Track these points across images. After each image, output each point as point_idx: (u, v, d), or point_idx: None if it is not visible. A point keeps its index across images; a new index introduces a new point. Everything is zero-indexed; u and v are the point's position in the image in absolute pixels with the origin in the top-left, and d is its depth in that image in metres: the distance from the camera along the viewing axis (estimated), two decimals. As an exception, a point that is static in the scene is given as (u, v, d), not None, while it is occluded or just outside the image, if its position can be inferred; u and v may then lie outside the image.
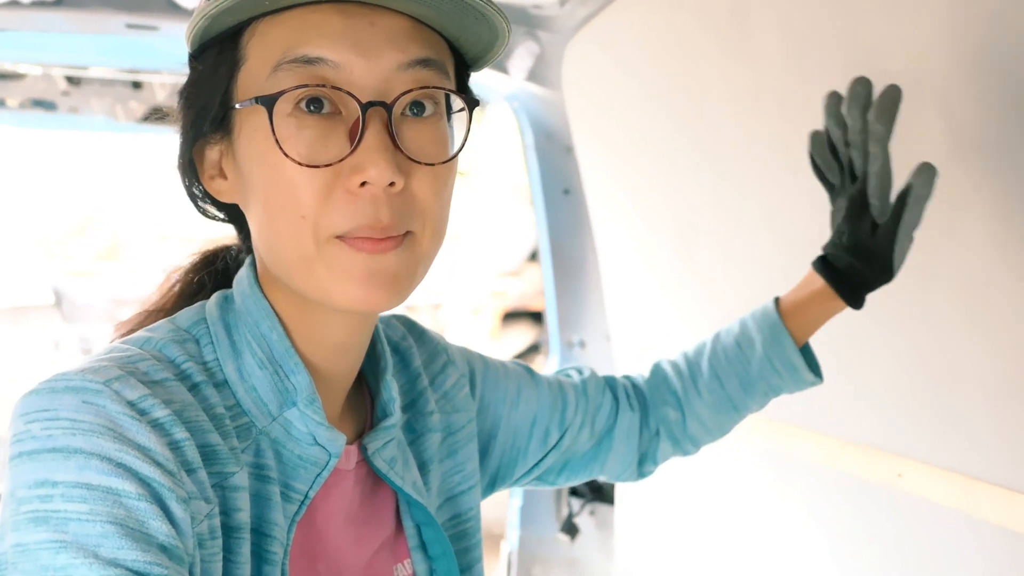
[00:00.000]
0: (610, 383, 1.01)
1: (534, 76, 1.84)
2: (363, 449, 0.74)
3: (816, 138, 0.94)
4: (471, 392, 0.89)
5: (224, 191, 0.69)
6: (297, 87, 0.60)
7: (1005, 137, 0.90)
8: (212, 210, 0.74)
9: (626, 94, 1.58)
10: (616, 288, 1.90)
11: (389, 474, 0.75)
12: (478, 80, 0.75)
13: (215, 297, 0.71)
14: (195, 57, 0.68)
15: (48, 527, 0.53)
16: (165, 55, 2.08)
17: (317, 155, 0.61)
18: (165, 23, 1.60)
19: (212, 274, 0.77)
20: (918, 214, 0.88)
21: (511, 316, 7.25)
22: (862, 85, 0.86)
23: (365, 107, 0.60)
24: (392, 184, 0.61)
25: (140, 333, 0.67)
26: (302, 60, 0.61)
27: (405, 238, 0.64)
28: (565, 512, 2.25)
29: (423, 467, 0.81)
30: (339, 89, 0.60)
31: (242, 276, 0.71)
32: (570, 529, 2.20)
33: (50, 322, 5.55)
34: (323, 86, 0.60)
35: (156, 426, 0.58)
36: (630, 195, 1.72)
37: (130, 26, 1.61)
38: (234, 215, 0.74)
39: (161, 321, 0.70)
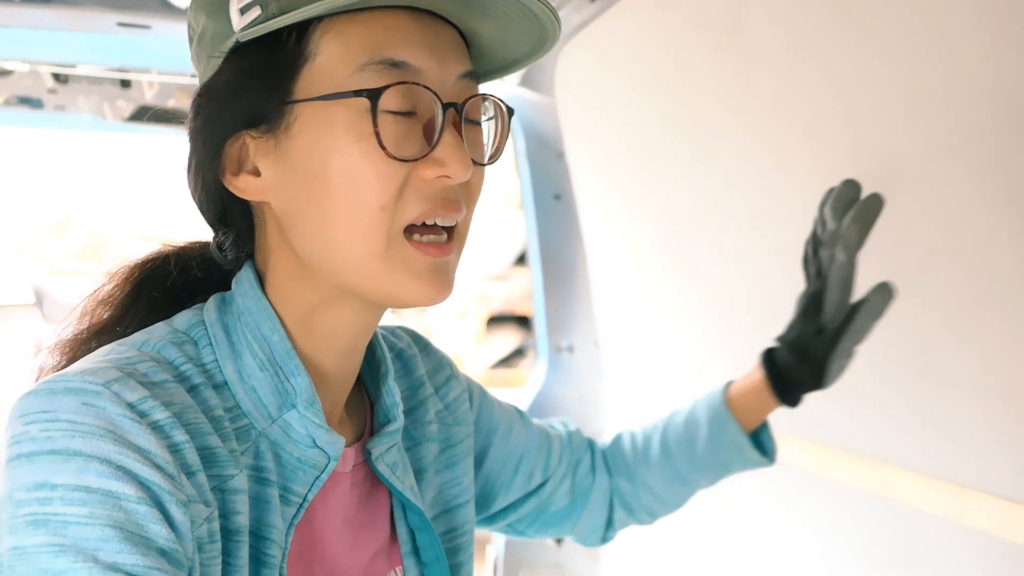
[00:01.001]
0: (591, 443, 1.04)
1: (527, 81, 1.84)
2: (367, 453, 0.74)
3: (813, 230, 0.94)
4: (470, 409, 0.90)
5: (252, 188, 0.68)
6: (400, 82, 0.62)
7: (996, 141, 0.91)
8: (210, 211, 0.72)
9: (618, 101, 1.58)
10: (605, 293, 1.91)
11: (391, 478, 0.75)
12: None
13: (213, 299, 0.71)
14: (233, 52, 0.65)
15: (47, 530, 0.53)
16: (156, 54, 2.07)
17: (403, 149, 0.63)
18: (157, 22, 1.59)
19: (170, 281, 0.74)
20: (864, 330, 0.89)
21: (496, 320, 7.25)
22: (849, 187, 0.89)
23: (446, 107, 0.64)
24: (466, 180, 0.65)
25: (137, 335, 0.67)
26: (388, 63, 0.63)
27: (455, 241, 0.68)
28: (551, 517, 2.25)
29: (418, 475, 0.82)
30: (429, 89, 0.63)
31: (242, 278, 0.71)
32: (556, 534, 2.20)
33: (31, 322, 5.48)
34: (418, 84, 0.63)
35: (156, 428, 0.58)
36: (621, 201, 1.73)
37: (122, 24, 1.60)
38: (242, 218, 0.72)
39: (158, 324, 0.69)
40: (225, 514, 0.63)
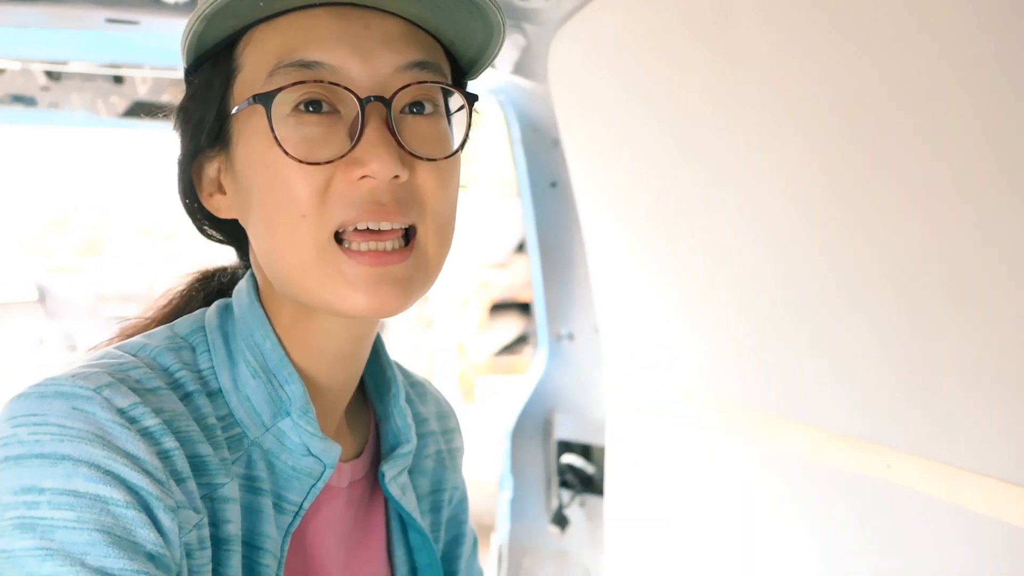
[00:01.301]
0: None
1: (520, 69, 1.83)
2: (380, 476, 0.74)
3: None
4: (459, 481, 0.88)
5: (223, 207, 0.68)
6: (294, 83, 0.60)
7: (993, 130, 0.90)
8: (213, 231, 0.74)
9: (612, 86, 1.57)
10: (604, 280, 1.90)
11: (401, 500, 0.75)
12: (463, 74, 0.76)
13: (215, 305, 0.71)
14: (190, 72, 0.67)
15: (34, 534, 0.52)
16: (146, 49, 2.06)
17: (317, 152, 0.60)
18: (146, 17, 1.58)
19: (209, 294, 0.76)
20: None
21: (499, 307, 7.25)
22: None
23: (364, 102, 0.60)
24: (396, 177, 0.60)
25: (137, 338, 0.66)
26: (298, 64, 0.60)
27: (411, 250, 0.62)
28: (555, 504, 2.25)
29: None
30: (337, 85, 0.60)
31: (241, 286, 0.70)
32: (560, 521, 2.21)
33: (33, 318, 5.50)
34: (320, 82, 0.60)
35: (146, 434, 0.58)
36: (617, 188, 1.72)
37: (110, 20, 1.59)
38: (234, 235, 0.73)
39: (159, 327, 0.69)
40: (215, 522, 0.62)
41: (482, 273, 7.23)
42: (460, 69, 0.71)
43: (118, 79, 2.42)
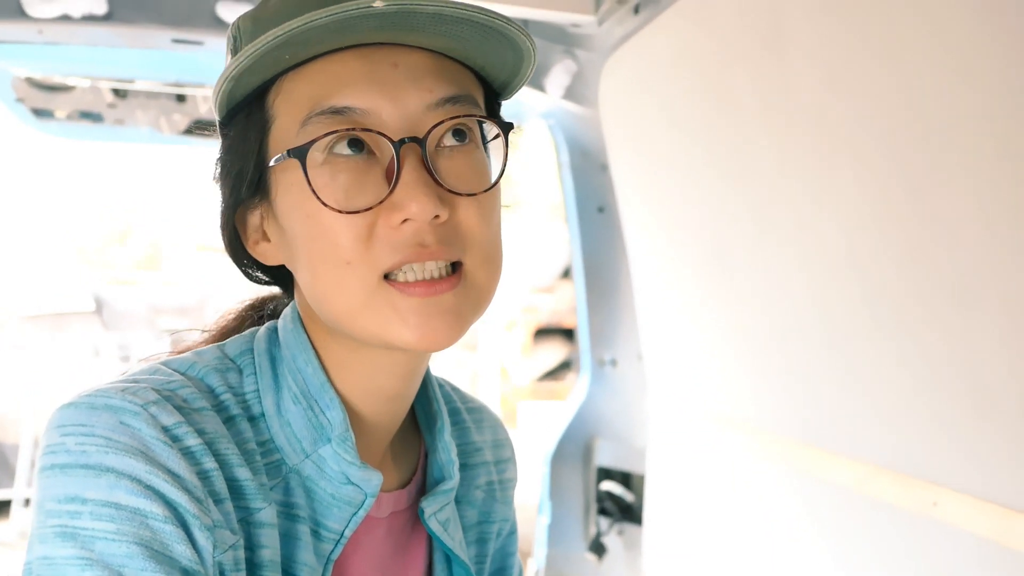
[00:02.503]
0: None
1: (571, 94, 1.85)
2: (420, 512, 0.73)
3: None
4: (508, 515, 0.87)
5: (269, 254, 0.69)
6: (327, 134, 0.59)
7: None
8: (259, 275, 0.74)
9: (661, 113, 1.58)
10: (649, 307, 1.90)
11: (442, 536, 0.74)
12: (514, 98, 0.75)
13: (265, 328, 0.71)
14: (224, 124, 0.67)
15: (75, 543, 0.54)
16: (209, 69, 2.12)
17: (355, 200, 0.60)
18: (210, 38, 1.64)
19: (261, 319, 0.77)
20: None
21: (543, 332, 7.24)
22: None
23: (398, 144, 0.59)
24: (437, 216, 0.60)
25: (187, 356, 0.67)
26: (329, 111, 0.60)
27: (460, 278, 0.62)
28: (593, 531, 2.23)
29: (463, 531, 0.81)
30: (369, 130, 0.60)
31: (286, 313, 0.71)
32: (598, 548, 2.19)
33: (90, 329, 5.65)
34: (352, 129, 0.60)
35: (187, 453, 0.59)
36: (664, 214, 1.72)
37: (176, 41, 1.65)
38: (281, 277, 0.73)
39: (211, 346, 0.70)
40: (251, 547, 0.62)
41: (528, 297, 7.23)
42: (493, 91, 0.70)
43: (181, 98, 2.50)
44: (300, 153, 0.60)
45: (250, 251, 0.70)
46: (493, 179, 0.65)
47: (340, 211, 0.59)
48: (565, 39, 1.75)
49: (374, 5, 0.56)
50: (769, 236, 1.36)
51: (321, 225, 0.60)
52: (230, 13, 1.58)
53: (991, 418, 1.04)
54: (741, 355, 1.57)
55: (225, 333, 0.77)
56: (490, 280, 0.65)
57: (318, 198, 0.59)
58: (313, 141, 0.59)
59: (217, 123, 0.68)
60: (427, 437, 0.77)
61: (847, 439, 1.31)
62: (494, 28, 0.61)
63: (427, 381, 0.77)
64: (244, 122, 0.65)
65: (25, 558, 0.56)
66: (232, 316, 0.78)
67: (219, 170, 0.68)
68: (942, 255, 1.02)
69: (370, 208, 0.59)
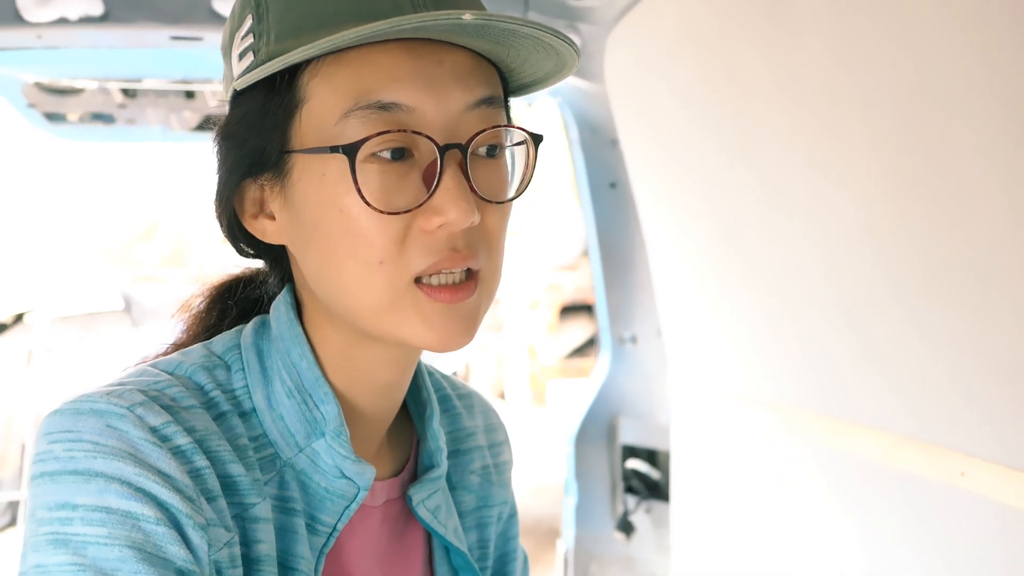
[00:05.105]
0: None
1: (577, 69, 1.82)
2: (408, 499, 0.73)
3: None
4: (507, 498, 0.87)
5: (269, 232, 0.67)
6: (380, 133, 0.58)
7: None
8: (249, 249, 0.72)
9: (668, 85, 1.54)
10: (666, 282, 1.87)
11: (432, 523, 0.74)
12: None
13: (252, 322, 0.70)
14: (238, 96, 0.64)
15: (67, 550, 0.53)
16: (213, 64, 2.11)
17: (395, 201, 0.59)
18: (208, 33, 1.62)
19: (230, 306, 0.75)
20: None
21: (568, 310, 7.22)
22: None
23: (443, 150, 0.59)
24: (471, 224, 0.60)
25: (173, 356, 0.67)
26: (376, 106, 0.59)
27: (476, 282, 0.63)
28: (621, 510, 2.22)
29: (459, 517, 0.80)
30: (419, 134, 0.59)
31: (279, 303, 0.70)
32: (626, 527, 2.18)
33: (120, 327, 5.73)
34: (404, 131, 0.59)
35: (177, 453, 0.58)
36: (677, 187, 1.69)
37: (175, 38, 1.64)
38: (270, 253, 0.72)
39: (196, 345, 0.69)
40: (246, 542, 0.62)
41: (551, 275, 7.21)
42: (505, 88, 0.69)
43: (189, 94, 2.50)
44: (351, 151, 0.58)
45: (245, 224, 0.68)
46: (513, 184, 0.66)
47: (383, 212, 0.59)
48: (567, 13, 1.71)
49: (464, 18, 0.55)
50: (783, 208, 1.33)
51: (355, 222, 0.60)
52: (227, 7, 1.57)
53: (1015, 386, 1.01)
54: (761, 328, 1.54)
55: (197, 319, 0.76)
56: (497, 284, 0.66)
57: (363, 199, 0.58)
58: (365, 140, 0.58)
59: (232, 92, 0.65)
60: (418, 425, 0.77)
61: (870, 411, 1.29)
62: (554, 47, 0.61)
63: (417, 370, 0.77)
64: (264, 98, 0.62)
65: (19, 568, 0.56)
66: (201, 300, 0.76)
67: (226, 141, 0.65)
68: (959, 224, 0.99)
69: (408, 211, 0.59)
